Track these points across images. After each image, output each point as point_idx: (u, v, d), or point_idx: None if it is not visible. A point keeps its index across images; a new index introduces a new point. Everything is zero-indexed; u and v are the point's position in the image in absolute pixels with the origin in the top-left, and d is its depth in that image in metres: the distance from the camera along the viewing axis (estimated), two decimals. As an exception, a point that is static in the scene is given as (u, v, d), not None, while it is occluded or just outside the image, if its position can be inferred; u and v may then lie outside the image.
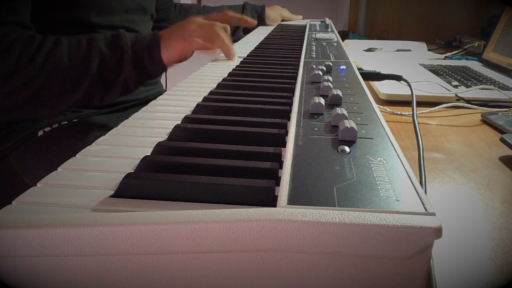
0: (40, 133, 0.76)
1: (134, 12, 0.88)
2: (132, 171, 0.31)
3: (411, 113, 0.59)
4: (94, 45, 0.65)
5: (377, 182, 0.26)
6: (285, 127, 0.40)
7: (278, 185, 0.26)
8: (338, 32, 1.19)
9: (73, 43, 0.65)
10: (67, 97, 0.65)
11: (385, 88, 0.77)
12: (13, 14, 0.64)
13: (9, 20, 0.63)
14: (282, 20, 1.51)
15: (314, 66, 0.63)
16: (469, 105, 0.72)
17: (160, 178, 0.28)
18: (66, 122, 0.78)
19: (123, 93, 0.70)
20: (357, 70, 0.62)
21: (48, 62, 0.61)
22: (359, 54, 1.19)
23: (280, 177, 0.27)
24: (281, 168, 0.30)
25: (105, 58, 0.65)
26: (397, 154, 0.30)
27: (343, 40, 1.21)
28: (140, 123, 0.44)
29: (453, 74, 0.92)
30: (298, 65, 0.68)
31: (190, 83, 0.63)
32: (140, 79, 0.70)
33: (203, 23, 0.76)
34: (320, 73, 0.54)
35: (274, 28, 1.33)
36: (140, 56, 0.67)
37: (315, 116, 0.39)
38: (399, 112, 0.69)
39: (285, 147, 0.33)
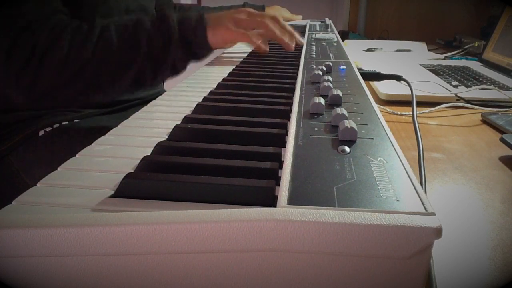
0: (41, 133, 0.76)
1: (134, 12, 0.88)
2: (132, 171, 0.31)
3: (411, 113, 0.59)
4: (140, 26, 0.66)
5: (377, 182, 0.26)
6: (285, 127, 0.40)
7: (278, 185, 0.26)
8: (338, 32, 1.19)
9: (121, 26, 0.66)
10: (120, 81, 0.66)
11: (385, 88, 0.77)
12: (49, 4, 0.66)
13: (48, 12, 0.65)
14: (282, 20, 1.51)
15: (314, 66, 0.63)
16: (469, 105, 0.72)
17: (160, 178, 0.28)
18: (67, 122, 0.78)
19: (173, 73, 0.70)
20: (357, 70, 0.62)
21: (98, 47, 0.63)
22: (359, 54, 1.19)
23: (280, 177, 0.27)
24: (281, 168, 0.30)
25: (153, 38, 0.65)
26: (397, 154, 0.30)
27: (343, 40, 1.21)
28: (140, 123, 0.44)
29: (453, 74, 0.92)
30: (298, 65, 0.68)
31: (190, 83, 0.63)
32: (188, 59, 0.71)
33: (255, 14, 0.75)
34: (320, 73, 0.54)
35: (274, 28, 1.33)
36: (187, 36, 0.68)
37: (315, 116, 0.39)
38: (399, 112, 0.69)
39: (285, 147, 0.33)
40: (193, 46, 0.69)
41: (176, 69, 0.70)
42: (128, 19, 0.67)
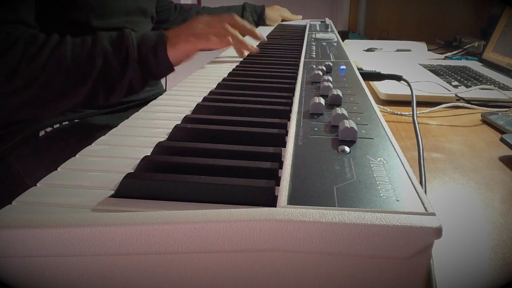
0: (41, 133, 0.76)
1: (133, 14, 0.88)
2: (132, 171, 0.31)
3: (411, 113, 0.59)
4: (99, 45, 0.64)
5: (377, 182, 0.26)
6: (285, 127, 0.40)
7: (278, 185, 0.26)
8: (338, 32, 1.19)
9: (78, 42, 0.64)
10: (70, 97, 0.64)
11: (385, 88, 0.77)
12: (14, 13, 0.63)
13: (10, 19, 0.63)
14: (282, 20, 1.51)
15: (314, 66, 0.63)
16: (469, 105, 0.72)
17: (160, 178, 0.28)
18: (67, 122, 0.78)
19: (128, 93, 0.69)
20: (357, 70, 0.62)
21: (50, 61, 0.60)
22: (359, 54, 1.19)
23: (280, 177, 0.27)
24: (281, 168, 0.30)
25: (110, 58, 0.64)
26: (397, 154, 0.30)
27: (343, 40, 1.21)
28: (140, 123, 0.44)
29: (453, 74, 0.92)
30: (298, 65, 0.68)
31: (190, 83, 0.63)
32: (146, 79, 0.69)
33: (211, 21, 0.75)
34: (320, 73, 0.54)
35: (274, 28, 1.33)
36: (146, 56, 0.66)
37: (315, 116, 0.39)
38: (399, 112, 0.69)
39: (285, 147, 0.33)
40: (151, 65, 0.67)
41: (133, 89, 0.68)
42: (87, 36, 0.65)
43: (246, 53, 0.83)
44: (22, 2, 0.65)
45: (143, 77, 0.67)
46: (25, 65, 0.59)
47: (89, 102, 0.66)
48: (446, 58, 1.20)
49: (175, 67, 0.70)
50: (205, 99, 0.51)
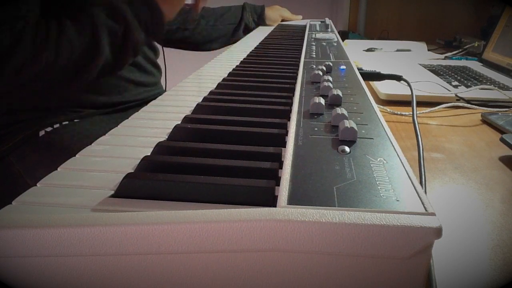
0: (41, 133, 0.76)
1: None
2: (132, 171, 0.31)
3: (411, 113, 0.59)
4: (97, 21, 0.66)
5: (377, 182, 0.26)
6: (285, 127, 0.40)
7: (278, 185, 0.26)
8: (338, 32, 1.19)
9: (76, 23, 0.65)
10: (82, 76, 0.67)
11: (385, 88, 0.77)
12: (23, 9, 0.64)
13: (21, 15, 0.63)
14: (282, 20, 1.51)
15: (314, 66, 0.63)
16: (469, 105, 0.72)
17: (160, 178, 0.28)
18: (67, 122, 0.78)
19: (134, 56, 0.73)
20: (357, 70, 0.62)
21: (62, 46, 0.62)
22: (359, 54, 1.19)
23: (280, 177, 0.27)
24: (281, 168, 0.30)
25: (113, 29, 0.67)
26: (397, 154, 0.30)
27: (343, 40, 1.21)
28: (140, 123, 0.44)
29: (453, 74, 0.92)
30: (298, 65, 0.68)
31: (190, 83, 0.63)
32: (147, 39, 0.73)
33: None
34: (320, 73, 0.54)
35: (274, 28, 1.33)
36: (144, 18, 0.69)
37: (315, 116, 0.39)
38: (399, 112, 0.69)
39: (285, 147, 0.33)
40: (148, 25, 0.71)
41: (137, 51, 0.73)
42: (83, 15, 0.67)
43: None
44: None
45: (144, 37, 0.71)
46: (38, 53, 0.60)
47: (102, 75, 0.70)
48: (446, 58, 1.20)
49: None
50: (205, 99, 0.51)
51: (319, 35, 1.02)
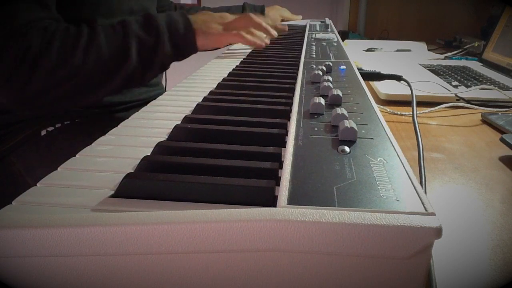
0: (43, 132, 0.76)
1: (136, 14, 0.88)
2: (132, 171, 0.31)
3: (411, 113, 0.59)
4: (130, 30, 0.66)
5: (377, 182, 0.26)
6: (285, 127, 0.40)
7: (278, 185, 0.26)
8: (338, 32, 1.19)
9: (108, 30, 0.66)
10: (109, 84, 0.66)
11: (385, 88, 0.77)
12: (46, 10, 0.65)
13: (44, 16, 0.64)
14: (282, 20, 1.51)
15: (314, 66, 0.63)
16: (469, 105, 0.72)
17: (160, 178, 0.28)
18: (68, 122, 0.78)
19: (161, 71, 0.73)
20: (357, 70, 0.62)
21: (90, 52, 0.63)
22: (359, 54, 1.19)
23: (280, 177, 0.27)
24: (281, 168, 0.30)
25: (143, 41, 0.67)
26: (397, 154, 0.30)
27: (343, 40, 1.21)
28: (140, 123, 0.44)
29: (453, 74, 0.92)
30: (298, 65, 0.68)
31: (190, 83, 0.63)
32: (176, 58, 0.73)
33: (238, 16, 0.79)
34: (320, 73, 0.54)
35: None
36: (176, 37, 0.69)
37: (315, 116, 0.39)
38: (399, 112, 0.69)
39: (285, 147, 0.33)
40: (180, 46, 0.71)
41: (164, 67, 0.72)
42: (115, 22, 0.68)
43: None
44: (52, 0, 0.67)
45: (173, 56, 0.70)
46: (66, 58, 0.61)
47: (127, 86, 0.70)
48: (446, 58, 1.20)
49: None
50: (205, 99, 0.51)
51: (319, 35, 1.02)
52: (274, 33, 0.88)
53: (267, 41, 0.85)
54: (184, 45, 0.71)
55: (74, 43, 0.62)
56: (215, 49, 0.83)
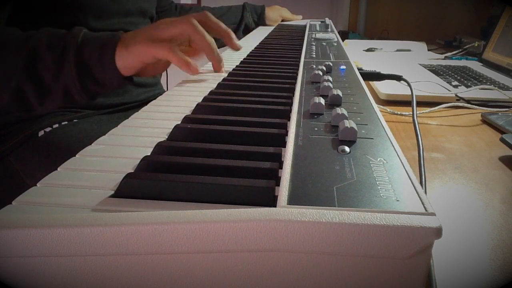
0: (41, 133, 0.76)
1: (133, 15, 0.87)
2: (132, 171, 0.31)
3: (411, 113, 0.59)
4: (34, 38, 0.55)
5: (377, 182, 0.26)
6: (285, 127, 0.40)
7: (278, 185, 0.26)
8: (338, 32, 1.19)
9: (16, 35, 0.56)
10: None
11: (385, 88, 0.77)
12: None
13: None
14: (282, 20, 1.51)
15: (314, 66, 0.63)
16: (469, 105, 0.72)
17: (160, 178, 0.28)
18: (66, 122, 0.78)
19: (66, 101, 0.58)
20: (357, 70, 0.62)
21: None
22: (359, 54, 1.19)
23: (280, 177, 0.27)
24: (281, 168, 0.30)
25: (40, 53, 0.54)
26: (397, 154, 0.30)
27: (343, 40, 1.21)
28: (140, 123, 0.44)
29: (453, 74, 0.92)
30: (298, 65, 0.68)
31: (190, 83, 0.63)
32: (87, 87, 0.57)
33: (176, 20, 0.60)
34: (320, 73, 0.54)
35: (274, 28, 1.33)
36: (88, 58, 0.55)
37: (315, 116, 0.39)
38: (399, 112, 0.69)
39: (285, 147, 0.33)
40: (93, 69, 0.55)
41: (71, 96, 0.57)
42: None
43: (222, 69, 0.68)
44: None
45: (82, 82, 0.56)
46: None
47: (20, 105, 0.57)
48: (446, 58, 1.20)
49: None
50: (205, 99, 0.51)
51: (319, 35, 1.02)
52: (217, 54, 0.65)
53: (198, 68, 0.61)
54: (98, 67, 0.55)
55: None
56: (147, 73, 0.62)
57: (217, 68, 0.67)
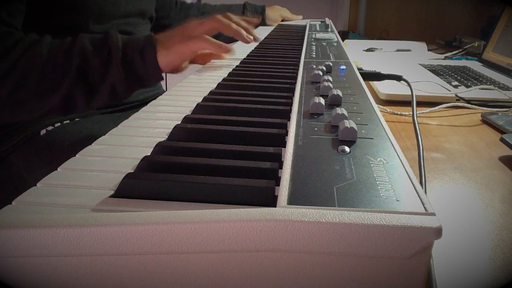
0: (42, 132, 0.76)
1: (132, 16, 0.87)
2: (132, 171, 0.31)
3: (411, 113, 0.59)
4: (78, 44, 0.60)
5: (377, 182, 0.26)
6: (285, 127, 0.40)
7: (278, 185, 0.26)
8: (338, 32, 1.19)
9: (57, 41, 0.60)
10: (46, 99, 0.60)
11: (385, 88, 0.77)
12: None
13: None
14: (282, 20, 1.51)
15: (314, 66, 0.63)
16: (469, 105, 0.72)
17: (160, 178, 0.28)
18: (67, 121, 0.78)
19: (111, 99, 0.64)
20: (357, 70, 0.62)
21: (24, 58, 0.57)
22: (359, 54, 1.19)
23: (280, 177, 0.27)
24: (281, 168, 0.30)
25: (89, 58, 0.59)
26: (397, 154, 0.30)
27: (343, 40, 1.21)
28: (140, 123, 0.44)
29: (453, 74, 0.92)
30: (298, 65, 0.68)
31: (190, 83, 0.63)
32: (131, 85, 0.64)
33: (204, 20, 0.71)
34: (320, 73, 0.54)
35: (274, 28, 1.33)
36: (132, 58, 0.61)
37: (315, 116, 0.39)
38: (399, 112, 0.69)
39: (285, 147, 0.33)
40: (137, 68, 0.62)
41: (116, 94, 0.63)
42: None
43: (254, 38, 0.82)
44: (3, 4, 0.62)
45: (127, 81, 0.62)
46: None
47: (68, 106, 0.62)
48: (446, 58, 1.20)
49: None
50: (205, 99, 0.51)
51: (319, 35, 1.02)
52: (245, 35, 0.78)
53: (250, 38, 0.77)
54: (143, 67, 0.62)
55: (9, 47, 0.57)
56: (179, 70, 0.72)
57: (250, 41, 0.81)
